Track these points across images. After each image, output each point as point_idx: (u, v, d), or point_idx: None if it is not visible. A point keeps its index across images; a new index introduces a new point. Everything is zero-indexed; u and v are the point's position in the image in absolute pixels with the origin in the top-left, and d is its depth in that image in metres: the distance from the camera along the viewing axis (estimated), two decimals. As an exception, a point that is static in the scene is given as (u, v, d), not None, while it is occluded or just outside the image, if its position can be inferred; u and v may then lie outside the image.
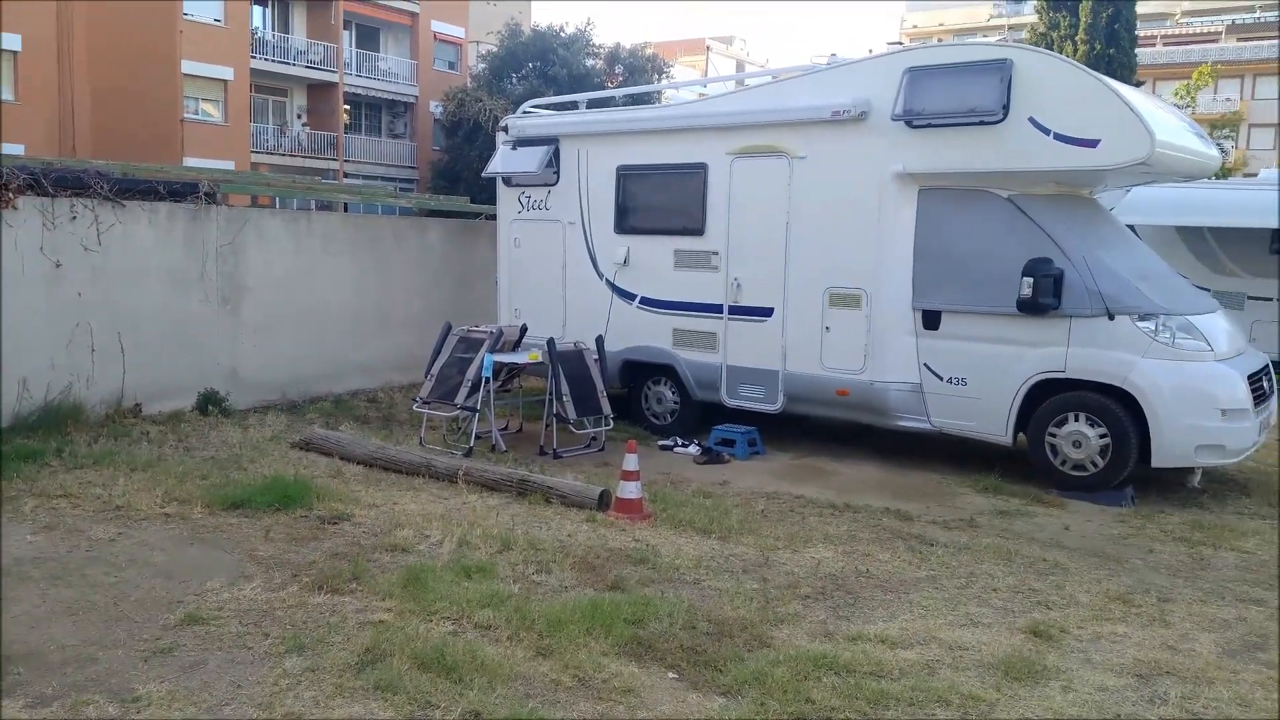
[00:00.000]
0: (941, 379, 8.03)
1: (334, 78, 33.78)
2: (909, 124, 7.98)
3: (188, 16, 28.67)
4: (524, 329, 9.44)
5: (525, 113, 10.73)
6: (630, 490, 6.66)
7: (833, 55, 9.41)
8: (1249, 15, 57.97)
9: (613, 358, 9.56)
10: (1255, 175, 16.82)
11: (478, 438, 8.65)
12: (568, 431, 8.72)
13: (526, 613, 4.79)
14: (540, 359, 8.79)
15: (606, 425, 8.85)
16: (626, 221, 9.72)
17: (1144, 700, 4.11)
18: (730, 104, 9.44)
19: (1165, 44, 53.69)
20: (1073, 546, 6.31)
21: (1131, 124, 7.19)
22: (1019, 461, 8.11)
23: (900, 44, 43.95)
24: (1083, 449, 7.50)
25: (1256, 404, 7.33)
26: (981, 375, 7.84)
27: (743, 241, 8.94)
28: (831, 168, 8.42)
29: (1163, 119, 7.78)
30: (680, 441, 9.07)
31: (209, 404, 9.55)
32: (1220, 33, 56.38)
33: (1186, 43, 54.75)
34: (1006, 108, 7.52)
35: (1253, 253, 13.42)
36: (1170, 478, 7.75)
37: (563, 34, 33.77)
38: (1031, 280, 7.40)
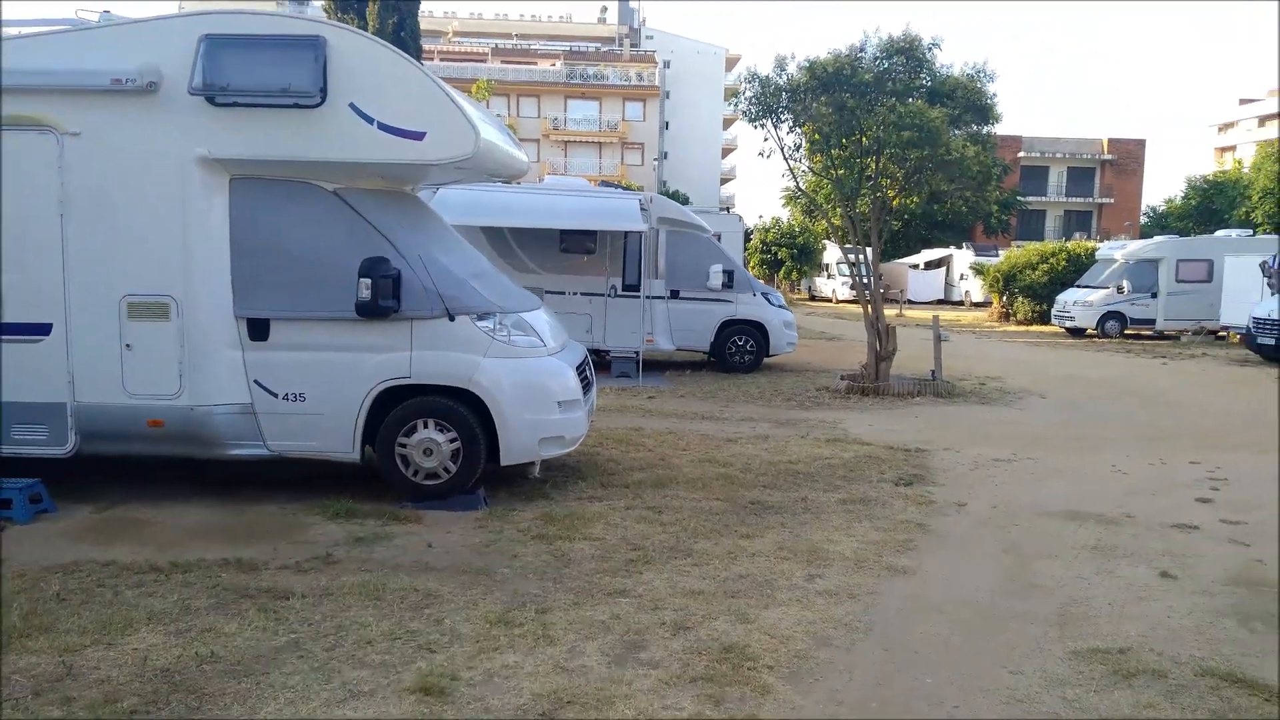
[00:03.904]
0: (276, 396, 7.04)
1: None
2: (211, 101, 6.79)
3: None
4: None
5: None
6: None
7: (106, 12, 7.67)
8: (508, 41, 66.12)
9: None
10: (543, 181, 18.62)
11: None
12: None
13: None
14: None
15: None
16: None
17: (556, 745, 3.73)
18: (-37, 58, 7.15)
19: (441, 59, 58.45)
20: (440, 566, 5.85)
21: (458, 119, 6.96)
22: (369, 478, 7.49)
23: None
24: (434, 456, 7.14)
25: (584, 393, 7.71)
26: (321, 388, 7.04)
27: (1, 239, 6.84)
28: (117, 149, 6.84)
29: (482, 119, 7.75)
30: (-79, 513, 6.65)
31: None
32: (487, 54, 63.28)
33: (459, 60, 60.35)
34: (325, 91, 6.78)
35: (547, 252, 14.75)
36: (514, 472, 7.80)
37: None
38: (370, 281, 6.81)
